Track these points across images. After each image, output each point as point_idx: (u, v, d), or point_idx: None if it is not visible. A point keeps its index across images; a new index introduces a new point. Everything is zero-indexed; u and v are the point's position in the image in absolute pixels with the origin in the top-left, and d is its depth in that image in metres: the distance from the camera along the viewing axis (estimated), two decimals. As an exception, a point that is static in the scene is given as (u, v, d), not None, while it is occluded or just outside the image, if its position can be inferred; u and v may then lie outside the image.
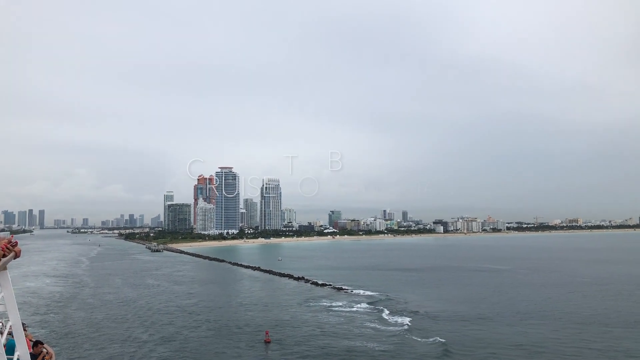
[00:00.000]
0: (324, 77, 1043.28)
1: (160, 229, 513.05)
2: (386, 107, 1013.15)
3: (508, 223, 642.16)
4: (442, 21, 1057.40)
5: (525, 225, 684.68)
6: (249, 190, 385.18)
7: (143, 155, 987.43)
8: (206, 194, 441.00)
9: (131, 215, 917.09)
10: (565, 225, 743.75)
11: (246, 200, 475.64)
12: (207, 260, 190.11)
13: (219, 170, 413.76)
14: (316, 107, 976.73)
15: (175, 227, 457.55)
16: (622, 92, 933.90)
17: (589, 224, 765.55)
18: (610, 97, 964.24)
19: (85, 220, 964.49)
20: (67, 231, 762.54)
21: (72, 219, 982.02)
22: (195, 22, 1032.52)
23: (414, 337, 60.16)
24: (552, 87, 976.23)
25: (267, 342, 62.74)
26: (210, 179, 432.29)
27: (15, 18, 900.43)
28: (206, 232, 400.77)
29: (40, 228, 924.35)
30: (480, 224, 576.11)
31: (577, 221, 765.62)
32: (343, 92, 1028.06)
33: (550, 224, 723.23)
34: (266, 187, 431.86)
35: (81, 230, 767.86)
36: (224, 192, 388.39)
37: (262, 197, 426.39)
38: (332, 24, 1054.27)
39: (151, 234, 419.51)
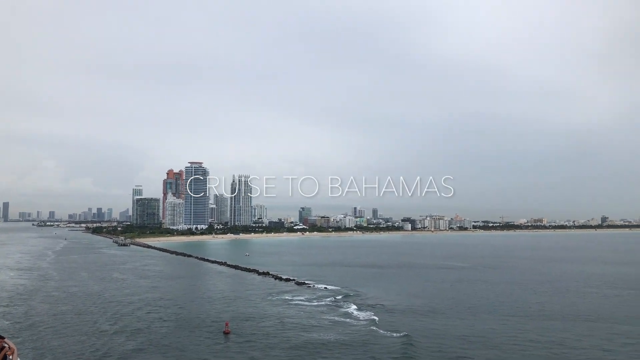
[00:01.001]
0: (300, 75, 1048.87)
1: (128, 223, 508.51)
2: (360, 107, 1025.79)
3: (475, 222, 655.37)
4: (420, 21, 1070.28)
5: (492, 224, 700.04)
6: (220, 186, 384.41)
7: (113, 149, 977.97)
8: (175, 188, 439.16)
9: (99, 209, 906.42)
10: (530, 224, 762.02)
11: (216, 196, 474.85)
12: (173, 255, 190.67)
13: (189, 165, 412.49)
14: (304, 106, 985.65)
15: (143, 222, 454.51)
16: (588, 96, 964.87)
17: (553, 224, 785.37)
18: (579, 100, 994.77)
19: (52, 214, 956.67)
20: (33, 224, 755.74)
21: (37, 212, 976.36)
22: (173, 16, 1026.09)
23: (372, 328, 63.53)
24: (521, 88, 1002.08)
25: (226, 333, 64.46)
26: (180, 174, 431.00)
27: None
28: (175, 227, 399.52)
29: (5, 221, 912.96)
30: (447, 222, 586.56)
31: (541, 221, 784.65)
32: (317, 91, 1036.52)
33: (515, 223, 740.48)
34: (237, 183, 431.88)
35: (47, 224, 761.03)
36: (193, 187, 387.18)
37: (232, 193, 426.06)
38: (310, 22, 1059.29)
39: (119, 228, 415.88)
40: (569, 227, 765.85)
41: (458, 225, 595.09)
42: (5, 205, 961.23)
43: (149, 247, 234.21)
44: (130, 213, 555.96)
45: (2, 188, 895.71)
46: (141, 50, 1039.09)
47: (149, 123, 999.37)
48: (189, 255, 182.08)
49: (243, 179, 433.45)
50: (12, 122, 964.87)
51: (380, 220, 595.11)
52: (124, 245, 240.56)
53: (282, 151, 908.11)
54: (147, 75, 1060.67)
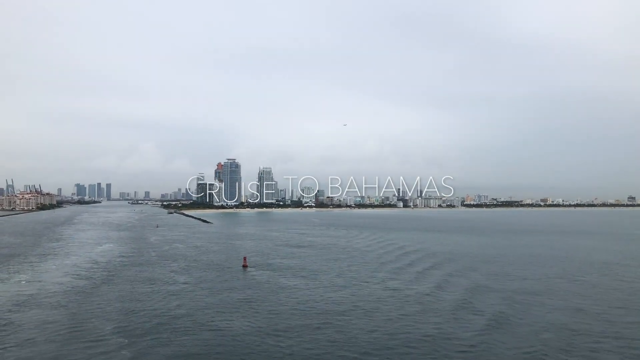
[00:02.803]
0: (378, 58, 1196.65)
1: (192, 200, 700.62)
2: (447, 87, 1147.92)
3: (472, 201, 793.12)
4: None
5: (486, 203, 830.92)
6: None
7: (208, 132, 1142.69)
8: (220, 176, 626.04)
9: (187, 189, 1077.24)
10: (534, 203, 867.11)
11: (260, 177, 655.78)
12: (194, 219, 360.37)
13: (226, 160, 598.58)
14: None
15: (202, 200, 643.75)
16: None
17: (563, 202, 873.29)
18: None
19: (147, 193, 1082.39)
20: (128, 203, 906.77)
21: (135, 192, 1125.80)
22: (254, 6, 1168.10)
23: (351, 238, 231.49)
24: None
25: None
26: (219, 166, 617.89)
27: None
28: (218, 203, 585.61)
29: (108, 199, 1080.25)
30: (436, 200, 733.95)
31: (546, 200, 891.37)
32: (404, 72, 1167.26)
33: (520, 202, 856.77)
34: (262, 173, 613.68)
35: (139, 202, 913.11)
36: (229, 176, 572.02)
37: (258, 179, 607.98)
38: (395, 5, 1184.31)
39: (179, 204, 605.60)
40: (588, 205, 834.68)
41: (447, 203, 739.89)
42: (108, 187, 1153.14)
43: (186, 215, 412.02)
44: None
45: (107, 170, 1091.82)
46: (232, 37, 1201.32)
47: (242, 107, 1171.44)
48: (206, 221, 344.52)
49: (266, 170, 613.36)
50: (112, 107, 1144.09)
51: (379, 198, 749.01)
52: (170, 213, 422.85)
53: (369, 131, 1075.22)
54: (239, 62, 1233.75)
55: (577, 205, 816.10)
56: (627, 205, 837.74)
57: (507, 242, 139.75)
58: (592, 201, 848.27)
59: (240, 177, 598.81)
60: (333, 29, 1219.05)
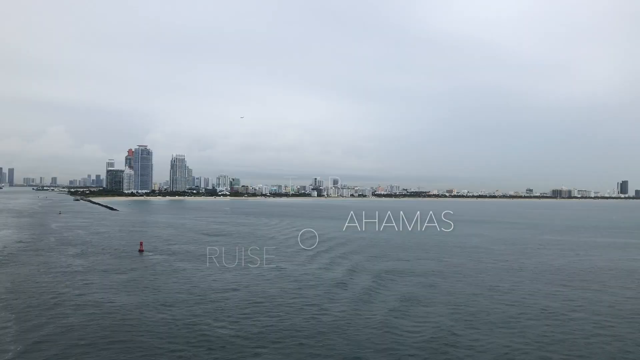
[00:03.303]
0: (300, 48, 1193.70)
1: (101, 187, 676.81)
2: (365, 78, 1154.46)
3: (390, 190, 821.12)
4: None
5: (398, 193, 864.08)
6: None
7: (121, 117, 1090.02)
8: (130, 163, 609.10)
9: (98, 176, 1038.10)
10: (440, 194, 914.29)
11: (173, 166, 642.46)
12: (101, 207, 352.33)
13: (137, 147, 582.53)
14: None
15: (112, 187, 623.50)
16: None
17: (468, 194, 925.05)
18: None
19: (54, 179, 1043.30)
20: (33, 189, 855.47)
21: (40, 178, 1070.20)
22: None
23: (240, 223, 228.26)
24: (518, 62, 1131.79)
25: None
26: (130, 152, 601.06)
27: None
28: (128, 191, 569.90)
29: (10, 185, 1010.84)
30: (349, 190, 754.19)
31: (452, 191, 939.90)
32: (323, 62, 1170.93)
33: (428, 192, 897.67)
34: (175, 160, 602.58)
35: (44, 188, 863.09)
36: (140, 163, 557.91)
37: (171, 166, 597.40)
38: None
39: (87, 192, 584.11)
40: (490, 197, 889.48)
41: (359, 193, 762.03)
42: (11, 172, 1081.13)
43: (92, 202, 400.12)
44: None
45: (9, 153, 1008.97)
46: (151, 20, 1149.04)
47: (158, 92, 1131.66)
48: (113, 209, 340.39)
49: (179, 157, 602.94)
50: (16, 85, 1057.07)
51: (297, 187, 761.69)
52: (77, 200, 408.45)
53: (290, 120, 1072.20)
54: (156, 46, 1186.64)
55: (480, 196, 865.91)
56: (525, 197, 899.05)
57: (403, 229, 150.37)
58: (494, 192, 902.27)
59: (151, 164, 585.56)
60: (255, 18, 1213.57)
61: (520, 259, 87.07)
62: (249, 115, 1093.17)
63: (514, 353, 36.59)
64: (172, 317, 45.36)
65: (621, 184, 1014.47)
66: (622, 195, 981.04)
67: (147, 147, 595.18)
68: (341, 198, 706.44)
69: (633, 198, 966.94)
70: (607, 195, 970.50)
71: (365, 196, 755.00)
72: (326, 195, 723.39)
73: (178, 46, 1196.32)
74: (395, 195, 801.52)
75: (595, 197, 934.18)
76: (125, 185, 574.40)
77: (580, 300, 53.79)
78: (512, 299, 54.41)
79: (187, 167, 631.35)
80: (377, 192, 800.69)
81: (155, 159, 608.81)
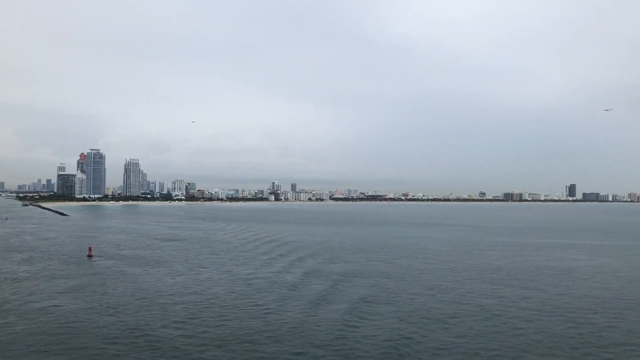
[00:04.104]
0: (260, 52, 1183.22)
1: (52, 192, 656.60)
2: (326, 83, 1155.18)
3: (340, 194, 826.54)
4: (378, 3, 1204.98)
5: (355, 196, 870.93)
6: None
7: (75, 120, 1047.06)
8: (82, 167, 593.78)
9: (48, 180, 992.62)
10: (395, 197, 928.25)
11: (126, 171, 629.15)
12: (51, 212, 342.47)
13: (90, 151, 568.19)
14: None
15: (63, 192, 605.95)
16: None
17: (422, 197, 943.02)
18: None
19: (1, 184, 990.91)
20: None
21: None
22: None
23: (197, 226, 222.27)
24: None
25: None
26: (82, 156, 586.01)
27: None
28: (80, 196, 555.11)
29: None
30: (306, 194, 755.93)
31: (407, 194, 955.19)
32: (284, 67, 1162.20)
33: (384, 196, 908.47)
34: (129, 164, 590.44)
35: None
36: (93, 167, 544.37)
37: (125, 171, 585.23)
38: (274, 1, 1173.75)
39: (37, 197, 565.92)
40: (444, 200, 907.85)
41: (316, 197, 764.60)
42: None
43: (42, 208, 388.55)
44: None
45: None
46: (105, 22, 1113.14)
47: (112, 95, 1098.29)
48: (63, 214, 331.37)
49: (133, 161, 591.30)
50: None
51: (255, 192, 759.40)
52: (25, 205, 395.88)
53: (249, 124, 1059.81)
54: (112, 48, 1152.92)
55: (434, 199, 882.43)
56: (478, 200, 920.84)
57: (354, 232, 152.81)
58: (448, 196, 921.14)
59: (105, 169, 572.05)
60: (216, 22, 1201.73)
61: (465, 259, 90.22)
62: (207, 119, 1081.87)
63: (446, 347, 38.54)
64: (119, 321, 45.62)
65: (569, 187, 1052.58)
66: (571, 198, 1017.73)
67: (100, 151, 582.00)
68: (299, 202, 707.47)
69: (580, 201, 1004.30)
70: (556, 198, 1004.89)
71: (322, 200, 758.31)
72: (284, 200, 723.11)
73: (133, 48, 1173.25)
74: (352, 199, 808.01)
75: (545, 200, 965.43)
76: (77, 190, 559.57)
77: (515, 298, 56.64)
78: (452, 297, 56.82)
79: (142, 171, 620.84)
80: (334, 196, 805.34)
81: (109, 163, 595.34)
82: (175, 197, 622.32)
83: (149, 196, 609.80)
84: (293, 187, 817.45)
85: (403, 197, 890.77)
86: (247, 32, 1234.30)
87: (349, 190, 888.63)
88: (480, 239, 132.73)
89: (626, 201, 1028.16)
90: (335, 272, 73.43)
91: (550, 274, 74.13)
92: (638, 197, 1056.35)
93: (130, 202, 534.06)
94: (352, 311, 49.28)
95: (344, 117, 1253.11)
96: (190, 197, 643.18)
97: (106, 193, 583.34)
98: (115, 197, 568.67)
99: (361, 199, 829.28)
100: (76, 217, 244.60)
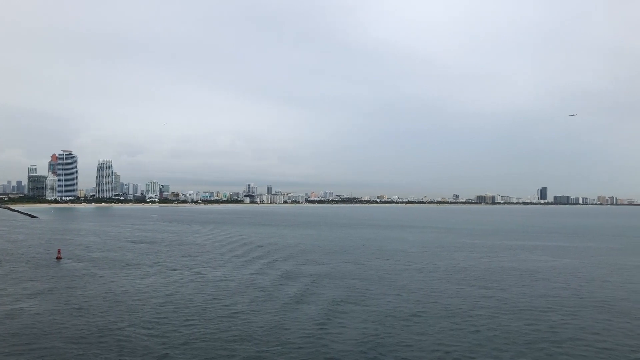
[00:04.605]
0: (235, 53, 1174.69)
1: (23, 194, 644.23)
2: (299, 86, 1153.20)
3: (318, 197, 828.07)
4: (353, 6, 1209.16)
5: (331, 199, 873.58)
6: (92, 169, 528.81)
7: (47, 120, 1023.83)
8: (54, 169, 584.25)
9: (19, 182, 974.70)
10: (371, 200, 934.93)
11: (99, 172, 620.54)
12: (20, 214, 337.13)
13: (62, 152, 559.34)
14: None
15: (34, 194, 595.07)
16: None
17: (398, 200, 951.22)
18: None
19: None
20: None
21: None
22: None
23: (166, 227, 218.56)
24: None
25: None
26: (54, 157, 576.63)
27: None
28: (52, 198, 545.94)
29: None
30: (282, 196, 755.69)
31: (382, 197, 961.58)
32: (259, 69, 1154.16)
33: (359, 199, 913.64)
34: (101, 166, 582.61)
35: None
36: (64, 169, 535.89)
37: (97, 172, 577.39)
38: (248, 2, 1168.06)
39: (6, 199, 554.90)
40: (418, 203, 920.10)
41: (292, 199, 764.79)
42: None
43: (11, 209, 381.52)
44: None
45: None
46: (77, 21, 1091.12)
47: (85, 95, 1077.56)
48: (33, 216, 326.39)
49: (106, 163, 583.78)
50: None
51: (231, 194, 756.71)
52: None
53: (224, 125, 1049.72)
54: (84, 47, 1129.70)
55: (409, 202, 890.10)
56: (451, 203, 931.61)
57: (328, 234, 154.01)
58: (422, 199, 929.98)
59: (77, 170, 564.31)
60: (188, 21, 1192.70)
61: (433, 260, 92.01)
62: (181, 120, 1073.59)
63: (406, 345, 39.75)
64: (86, 322, 45.80)
65: (541, 190, 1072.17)
66: (542, 201, 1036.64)
67: (72, 153, 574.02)
68: (274, 204, 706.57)
69: (552, 203, 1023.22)
70: (528, 200, 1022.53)
71: (298, 202, 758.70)
72: (259, 202, 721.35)
73: (105, 49, 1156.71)
74: (328, 202, 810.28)
75: (517, 203, 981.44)
76: (48, 192, 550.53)
77: (480, 298, 58.26)
78: (417, 297, 58.21)
79: (115, 173, 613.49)
80: (310, 199, 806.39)
81: (81, 165, 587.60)
82: (148, 199, 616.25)
83: (122, 198, 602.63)
84: (269, 189, 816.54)
85: (378, 200, 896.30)
86: (221, 34, 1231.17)
87: (325, 193, 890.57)
88: (450, 241, 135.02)
89: (595, 204, 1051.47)
90: (306, 274, 74.36)
91: (514, 275, 76.07)
92: (607, 199, 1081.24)
93: (103, 204, 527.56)
94: (320, 311, 50.24)
95: (320, 119, 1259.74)
96: (164, 200, 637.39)
97: (78, 195, 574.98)
98: (88, 199, 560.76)
99: (337, 202, 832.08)
100: (47, 219, 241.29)
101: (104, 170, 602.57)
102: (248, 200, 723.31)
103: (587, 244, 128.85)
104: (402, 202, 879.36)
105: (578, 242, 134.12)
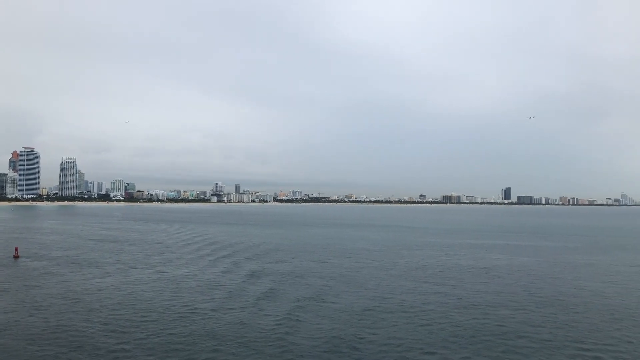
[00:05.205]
0: (205, 52, 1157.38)
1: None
2: (268, 85, 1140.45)
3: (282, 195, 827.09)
4: (325, 6, 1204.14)
5: (300, 198, 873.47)
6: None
7: (4, 116, 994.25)
8: (15, 166, 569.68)
9: None
10: (339, 199, 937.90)
11: (62, 170, 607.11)
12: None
13: (23, 149, 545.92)
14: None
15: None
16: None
17: (366, 199, 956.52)
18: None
19: None
20: None
21: None
22: None
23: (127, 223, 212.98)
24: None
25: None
26: (15, 154, 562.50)
27: None
28: (12, 196, 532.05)
29: None
30: (250, 195, 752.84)
31: (351, 196, 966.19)
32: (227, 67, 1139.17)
33: (328, 198, 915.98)
34: (65, 164, 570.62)
35: None
36: (25, 166, 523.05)
37: (61, 170, 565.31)
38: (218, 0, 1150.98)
39: None
40: (386, 202, 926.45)
41: (260, 199, 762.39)
42: None
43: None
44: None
45: None
46: (40, 14, 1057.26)
47: (49, 91, 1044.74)
48: None
49: (69, 160, 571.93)
50: None
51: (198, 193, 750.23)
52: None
53: (193, 124, 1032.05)
54: (47, 42, 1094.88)
55: (377, 201, 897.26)
56: (418, 202, 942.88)
57: (293, 234, 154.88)
58: (390, 198, 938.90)
59: (39, 168, 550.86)
60: (158, 20, 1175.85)
61: (395, 259, 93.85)
62: (149, 118, 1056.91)
63: (359, 340, 41.01)
64: (41, 320, 45.70)
65: (505, 191, 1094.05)
66: (506, 201, 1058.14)
67: (34, 150, 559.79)
68: (242, 203, 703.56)
69: (515, 203, 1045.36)
70: (492, 200, 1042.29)
71: (266, 201, 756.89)
72: (226, 201, 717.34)
73: (68, 44, 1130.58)
74: (297, 201, 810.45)
75: (481, 203, 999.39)
76: (8, 190, 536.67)
77: (435, 294, 60.03)
78: (374, 294, 59.63)
79: (79, 171, 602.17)
80: (278, 198, 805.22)
81: (44, 163, 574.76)
82: (113, 198, 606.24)
83: (86, 196, 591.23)
84: (237, 188, 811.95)
85: (346, 199, 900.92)
86: (190, 32, 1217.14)
87: (294, 192, 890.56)
88: (413, 240, 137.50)
89: (557, 204, 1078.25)
90: (268, 272, 75.13)
91: (471, 272, 78.33)
92: (569, 200, 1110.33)
93: (66, 203, 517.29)
94: (278, 308, 51.12)
95: (289, 118, 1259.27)
96: (129, 198, 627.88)
97: (40, 193, 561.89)
98: (50, 197, 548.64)
99: (305, 201, 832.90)
100: (6, 217, 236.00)
101: (67, 168, 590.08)
102: (215, 199, 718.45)
103: (543, 243, 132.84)
104: (370, 202, 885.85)
105: (535, 242, 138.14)
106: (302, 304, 52.96)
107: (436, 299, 57.36)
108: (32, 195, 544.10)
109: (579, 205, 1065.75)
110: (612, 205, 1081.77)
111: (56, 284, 63.53)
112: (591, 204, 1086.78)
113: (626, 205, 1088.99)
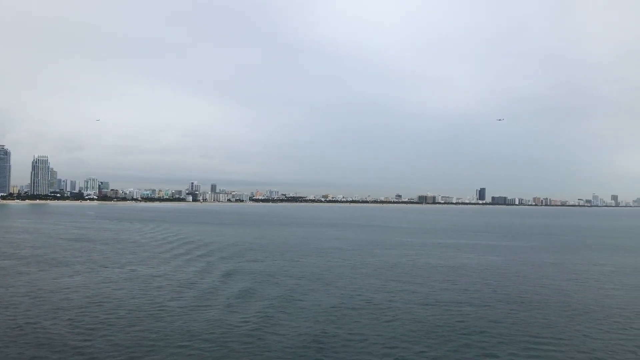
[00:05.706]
0: (183, 49, 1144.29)
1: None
2: (252, 84, 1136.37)
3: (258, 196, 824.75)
4: (305, 5, 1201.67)
5: (276, 198, 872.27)
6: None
7: None
8: None
9: None
10: (316, 199, 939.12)
11: (34, 168, 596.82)
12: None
13: None
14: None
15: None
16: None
17: (343, 199, 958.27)
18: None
19: None
20: None
21: None
22: None
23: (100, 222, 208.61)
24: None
25: None
26: None
27: None
28: None
29: None
30: (226, 195, 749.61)
31: (327, 196, 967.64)
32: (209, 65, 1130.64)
33: (304, 198, 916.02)
34: (37, 162, 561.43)
35: None
36: None
37: (32, 168, 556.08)
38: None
39: None
40: (362, 202, 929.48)
41: (236, 198, 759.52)
42: None
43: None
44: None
45: None
46: (11, 7, 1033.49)
47: (20, 87, 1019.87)
48: None
49: (41, 158, 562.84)
50: None
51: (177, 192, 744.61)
52: None
53: (170, 122, 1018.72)
54: (18, 36, 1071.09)
55: (353, 201, 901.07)
56: (394, 202, 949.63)
57: (267, 233, 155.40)
58: (366, 198, 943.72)
59: (9, 165, 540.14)
60: (137, 16, 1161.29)
61: (366, 258, 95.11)
62: (125, 116, 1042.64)
63: (324, 336, 42.01)
64: (6, 319, 45.70)
65: (479, 191, 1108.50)
66: (480, 201, 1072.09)
67: (5, 147, 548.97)
68: (217, 203, 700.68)
69: (489, 204, 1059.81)
70: (467, 201, 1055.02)
71: (242, 201, 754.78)
72: (202, 200, 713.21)
73: (44, 37, 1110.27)
74: (273, 200, 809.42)
75: (456, 203, 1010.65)
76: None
77: (402, 292, 61.35)
78: (343, 292, 60.69)
79: (52, 169, 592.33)
80: (255, 197, 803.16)
81: (15, 160, 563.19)
82: (87, 197, 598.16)
83: (58, 195, 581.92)
84: (213, 187, 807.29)
85: (323, 199, 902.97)
86: (169, 30, 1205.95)
87: (270, 192, 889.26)
88: (386, 239, 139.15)
89: (531, 204, 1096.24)
90: (241, 272, 75.66)
91: (440, 271, 79.95)
92: (542, 200, 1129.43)
93: (38, 201, 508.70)
94: (248, 306, 51.80)
95: (267, 118, 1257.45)
96: (103, 197, 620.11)
97: (11, 191, 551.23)
98: (22, 196, 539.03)
99: (282, 200, 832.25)
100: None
101: (39, 166, 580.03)
102: (190, 198, 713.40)
103: (513, 243, 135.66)
104: (347, 202, 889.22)
105: (506, 241, 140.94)
106: (272, 302, 53.73)
107: (402, 296, 58.65)
108: (2, 194, 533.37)
109: (552, 205, 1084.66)
110: (584, 206, 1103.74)
111: (23, 283, 63.18)
112: (563, 204, 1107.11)
113: (597, 206, 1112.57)
